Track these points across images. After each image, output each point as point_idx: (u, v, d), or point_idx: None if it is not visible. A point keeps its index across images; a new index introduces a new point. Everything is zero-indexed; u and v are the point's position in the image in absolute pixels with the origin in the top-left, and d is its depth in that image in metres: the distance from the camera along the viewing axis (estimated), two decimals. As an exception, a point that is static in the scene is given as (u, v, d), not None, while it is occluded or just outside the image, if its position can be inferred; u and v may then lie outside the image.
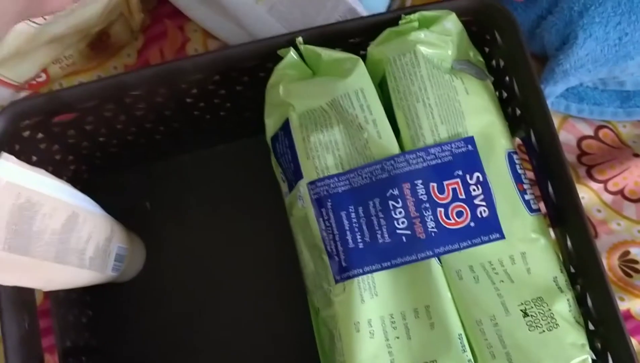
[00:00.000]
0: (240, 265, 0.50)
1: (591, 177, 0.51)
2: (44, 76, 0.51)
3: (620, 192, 0.51)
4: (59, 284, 0.39)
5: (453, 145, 0.38)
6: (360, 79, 0.39)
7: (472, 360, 0.35)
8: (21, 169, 0.33)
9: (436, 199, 0.37)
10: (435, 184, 0.37)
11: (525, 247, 0.37)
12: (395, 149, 0.38)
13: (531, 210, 0.38)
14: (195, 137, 0.50)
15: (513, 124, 0.42)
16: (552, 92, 0.50)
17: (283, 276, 0.48)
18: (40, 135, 0.43)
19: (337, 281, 0.37)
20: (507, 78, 0.42)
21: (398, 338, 0.36)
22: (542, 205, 0.40)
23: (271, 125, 0.43)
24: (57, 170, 0.47)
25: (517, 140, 0.44)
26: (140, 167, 0.51)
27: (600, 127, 0.53)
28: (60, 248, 0.35)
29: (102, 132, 0.46)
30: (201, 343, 0.49)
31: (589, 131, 0.53)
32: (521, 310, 0.36)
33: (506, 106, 0.43)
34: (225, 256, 0.50)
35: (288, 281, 0.47)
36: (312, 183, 0.39)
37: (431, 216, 0.37)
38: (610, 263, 0.50)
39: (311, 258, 0.41)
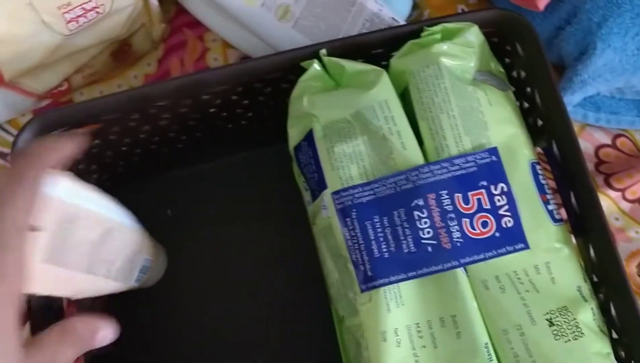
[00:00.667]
0: (260, 272, 0.50)
1: (609, 185, 0.51)
2: (65, 85, 0.52)
3: (638, 200, 0.51)
4: (86, 293, 0.39)
5: (477, 156, 0.38)
6: (384, 90, 0.39)
7: (499, 369, 0.36)
8: (70, 184, 0.34)
9: (461, 210, 0.37)
10: (460, 195, 0.38)
11: (550, 257, 0.38)
12: (419, 159, 0.38)
13: (554, 220, 0.39)
14: (216, 146, 0.50)
15: (534, 135, 0.42)
16: (570, 102, 0.51)
17: (304, 285, 0.48)
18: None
19: (362, 291, 0.38)
20: (528, 89, 0.43)
21: (424, 347, 0.36)
22: (562, 212, 0.41)
23: (294, 135, 0.43)
24: (80, 178, 0.47)
25: (538, 149, 0.44)
26: (162, 175, 0.52)
27: (617, 136, 0.53)
28: (93, 259, 0.35)
29: (125, 141, 0.46)
30: (221, 349, 0.49)
31: (607, 140, 0.53)
32: (547, 320, 0.36)
33: (527, 116, 0.43)
34: (246, 264, 0.50)
35: (310, 290, 0.47)
36: (336, 192, 0.39)
37: (456, 227, 0.37)
38: (628, 271, 0.50)
39: (335, 267, 0.41)
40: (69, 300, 0.48)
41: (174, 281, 0.50)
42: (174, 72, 0.54)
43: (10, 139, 0.54)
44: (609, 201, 0.51)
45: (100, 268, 0.37)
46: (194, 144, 0.49)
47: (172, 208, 0.52)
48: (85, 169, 0.47)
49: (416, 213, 0.38)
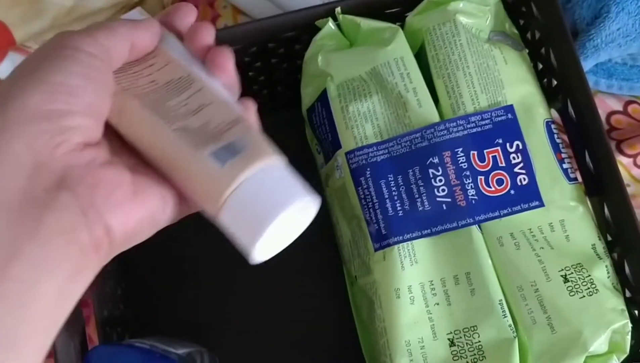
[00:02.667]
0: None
1: (621, 152, 0.51)
2: (76, 51, 0.52)
3: (650, 167, 0.51)
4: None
5: (493, 113, 0.38)
6: (400, 47, 0.39)
7: (513, 326, 0.36)
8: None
9: (477, 167, 0.37)
10: (475, 152, 0.37)
11: (564, 215, 0.38)
12: (435, 117, 0.38)
13: (569, 179, 0.38)
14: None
15: (548, 96, 0.42)
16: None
17: (316, 248, 0.48)
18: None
19: (376, 249, 0.38)
20: (542, 50, 0.42)
21: (438, 304, 0.37)
22: (577, 172, 0.41)
23: (308, 96, 0.43)
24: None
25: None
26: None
27: (629, 102, 0.53)
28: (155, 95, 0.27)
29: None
30: (234, 315, 0.49)
31: (618, 107, 0.53)
32: (561, 276, 0.36)
33: (541, 77, 0.43)
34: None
35: (321, 253, 0.48)
36: (350, 152, 0.39)
37: (472, 184, 0.37)
38: (640, 236, 0.50)
39: (349, 227, 0.41)
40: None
41: (189, 248, 0.50)
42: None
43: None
44: (621, 168, 0.51)
45: (162, 110, 0.27)
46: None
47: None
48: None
49: (431, 170, 0.37)
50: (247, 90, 0.48)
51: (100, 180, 0.23)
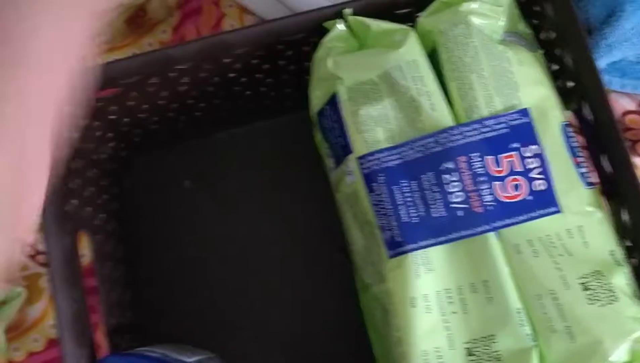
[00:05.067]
0: (279, 242, 0.49)
1: (635, 152, 0.50)
2: (79, 53, 0.51)
3: (665, 167, 0.50)
4: None
5: (508, 117, 0.37)
6: (412, 50, 0.38)
7: (531, 335, 0.35)
8: None
9: (492, 173, 0.36)
10: (491, 157, 0.37)
11: (582, 221, 0.37)
12: (449, 121, 0.37)
13: (586, 183, 0.38)
14: (234, 114, 0.49)
15: (563, 97, 0.41)
16: (596, 67, 0.50)
17: (325, 254, 0.48)
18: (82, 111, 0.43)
19: (390, 257, 0.37)
20: (557, 51, 0.42)
21: (455, 313, 0.36)
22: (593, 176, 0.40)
23: (317, 99, 0.42)
24: (96, 147, 0.47)
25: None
26: (179, 145, 0.51)
27: (643, 102, 0.52)
28: None
29: (143, 108, 0.45)
30: (241, 321, 0.48)
31: (632, 106, 0.52)
32: (581, 284, 0.35)
33: (556, 79, 0.42)
34: (264, 234, 0.49)
35: (331, 259, 0.47)
36: (362, 157, 0.38)
37: (488, 190, 0.36)
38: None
39: (361, 234, 0.40)
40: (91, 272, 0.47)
41: (194, 251, 0.50)
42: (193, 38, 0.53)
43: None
44: (635, 170, 0.50)
45: None
46: (212, 112, 0.48)
47: (189, 179, 0.51)
48: (101, 136, 0.46)
49: (446, 176, 0.37)
50: (254, 93, 0.47)
51: None
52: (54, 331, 0.48)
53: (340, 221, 0.43)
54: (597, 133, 0.39)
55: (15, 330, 0.49)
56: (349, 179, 0.40)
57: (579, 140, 0.39)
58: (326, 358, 0.46)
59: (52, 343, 0.49)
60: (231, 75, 0.44)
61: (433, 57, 0.39)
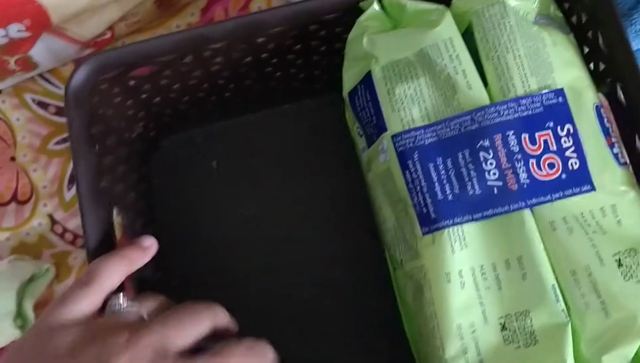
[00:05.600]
0: (308, 224, 0.50)
1: (660, 138, 0.51)
2: (108, 34, 0.51)
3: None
4: None
5: (544, 96, 0.37)
6: (448, 29, 0.39)
7: (566, 311, 0.35)
8: None
9: (528, 151, 0.37)
10: (527, 136, 0.37)
11: (615, 200, 0.37)
12: (485, 100, 0.38)
13: (620, 163, 0.38)
14: (263, 95, 0.50)
15: (594, 80, 0.42)
16: (622, 52, 0.50)
17: (354, 236, 0.48)
18: (116, 89, 0.43)
19: (425, 233, 0.37)
20: (589, 33, 0.42)
21: (489, 288, 0.36)
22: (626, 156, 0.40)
23: (350, 79, 0.42)
24: (128, 125, 0.47)
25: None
26: (208, 126, 0.51)
27: (668, 88, 0.52)
28: None
29: (175, 88, 0.46)
30: (271, 302, 0.48)
31: (657, 93, 0.52)
32: (615, 260, 0.35)
33: (588, 61, 0.42)
34: (293, 214, 0.50)
35: (360, 239, 0.47)
36: (397, 135, 0.39)
37: (523, 168, 0.37)
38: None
39: (393, 212, 0.40)
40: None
41: (223, 231, 0.50)
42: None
43: (54, 90, 0.54)
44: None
45: None
46: (242, 94, 0.49)
47: (217, 160, 0.51)
48: (133, 115, 0.47)
49: (482, 154, 0.37)
50: (284, 75, 0.48)
51: None
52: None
53: (371, 203, 0.43)
54: (629, 115, 0.40)
55: (44, 307, 0.49)
56: (383, 158, 0.40)
57: (611, 121, 0.40)
58: (358, 337, 0.46)
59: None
60: (264, 55, 0.44)
61: (467, 37, 0.40)
